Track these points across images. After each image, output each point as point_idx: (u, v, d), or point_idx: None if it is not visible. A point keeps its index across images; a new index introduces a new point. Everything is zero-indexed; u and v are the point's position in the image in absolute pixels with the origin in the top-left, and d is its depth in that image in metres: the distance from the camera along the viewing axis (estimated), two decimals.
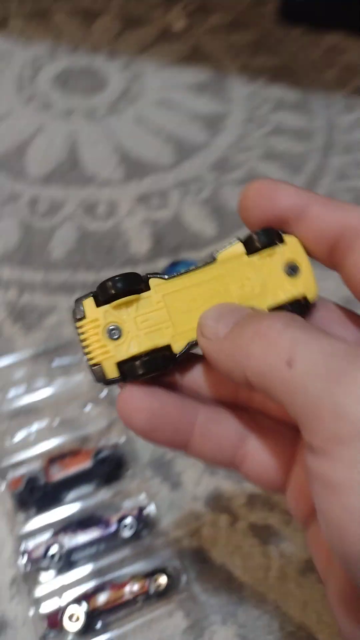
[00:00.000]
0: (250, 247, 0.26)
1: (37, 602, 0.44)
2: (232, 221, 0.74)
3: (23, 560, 0.45)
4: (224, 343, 0.22)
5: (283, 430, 0.27)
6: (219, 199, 0.77)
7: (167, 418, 0.24)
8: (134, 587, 0.44)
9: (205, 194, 0.77)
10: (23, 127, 0.83)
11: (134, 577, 0.45)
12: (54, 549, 0.45)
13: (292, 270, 0.26)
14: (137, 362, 0.24)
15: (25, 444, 0.52)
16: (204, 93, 0.92)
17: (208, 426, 0.25)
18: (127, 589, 0.44)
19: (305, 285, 0.26)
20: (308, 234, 0.25)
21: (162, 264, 0.68)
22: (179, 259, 0.69)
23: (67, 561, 0.45)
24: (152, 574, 0.45)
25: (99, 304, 0.25)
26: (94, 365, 0.24)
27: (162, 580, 0.45)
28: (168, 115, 0.88)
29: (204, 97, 0.91)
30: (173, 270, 0.67)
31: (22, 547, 0.45)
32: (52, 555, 0.45)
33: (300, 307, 0.26)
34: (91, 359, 0.25)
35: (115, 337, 0.24)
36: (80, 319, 0.25)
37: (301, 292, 0.26)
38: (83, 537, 0.46)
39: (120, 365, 0.24)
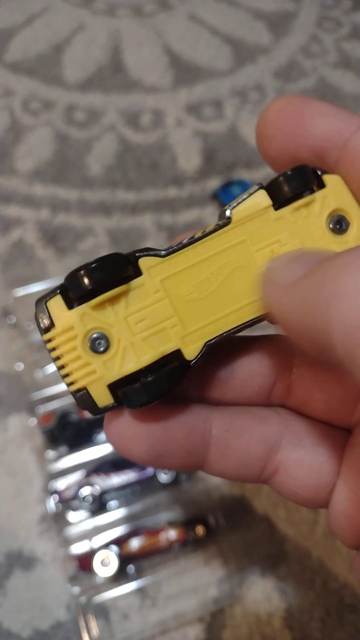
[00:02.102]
0: (278, 196, 0.19)
1: (68, 542, 0.42)
2: None
3: (54, 499, 0.42)
4: (299, 288, 0.15)
5: (325, 434, 0.21)
6: None
7: (173, 443, 0.19)
8: (170, 535, 0.41)
9: (267, 105, 0.67)
10: (60, 25, 0.74)
11: (170, 524, 0.42)
12: (86, 490, 0.42)
13: (338, 224, 0.19)
14: (138, 385, 0.17)
15: (57, 377, 0.48)
16: None
17: (227, 440, 0.20)
18: (162, 536, 0.41)
19: (357, 239, 0.19)
20: (355, 173, 0.18)
21: (213, 184, 0.61)
22: (233, 178, 0.61)
23: (99, 503, 0.43)
24: (190, 523, 0.42)
25: (71, 304, 0.18)
26: (77, 391, 0.17)
27: (201, 530, 0.42)
28: (226, 12, 0.76)
29: None
30: (226, 193, 0.60)
31: (53, 486, 0.43)
32: (84, 496, 0.42)
33: None
34: (71, 383, 0.18)
35: (102, 349, 0.17)
36: (47, 330, 0.18)
37: None
38: (117, 479, 0.43)
39: (114, 387, 0.17)
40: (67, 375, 0.18)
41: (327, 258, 0.15)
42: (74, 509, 0.43)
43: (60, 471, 0.44)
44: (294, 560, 0.45)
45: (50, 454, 0.45)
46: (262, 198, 0.19)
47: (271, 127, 0.19)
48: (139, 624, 0.41)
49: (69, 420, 0.45)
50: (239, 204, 0.19)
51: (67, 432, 0.44)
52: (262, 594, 0.43)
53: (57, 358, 0.18)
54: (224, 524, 0.44)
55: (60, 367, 0.18)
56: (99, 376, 0.17)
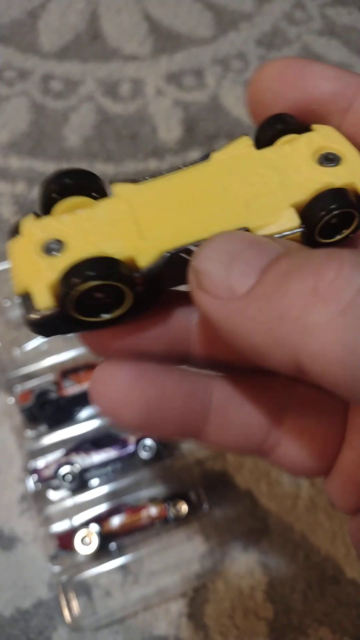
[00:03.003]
0: (261, 140, 0.18)
1: (48, 521, 0.42)
2: None
3: (33, 478, 0.42)
4: (250, 305, 0.14)
5: (330, 402, 0.20)
6: None
7: (169, 409, 0.18)
8: (151, 512, 0.41)
9: (249, 73, 0.65)
10: None
11: (152, 501, 0.42)
12: (65, 469, 0.42)
13: (328, 159, 0.18)
14: (75, 272, 0.16)
15: (36, 355, 0.47)
16: None
17: (228, 410, 0.19)
18: (144, 513, 0.41)
19: (351, 173, 0.17)
20: (355, 134, 0.17)
21: (194, 155, 0.59)
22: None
23: (80, 481, 0.42)
24: (171, 499, 0.42)
25: (39, 217, 0.18)
26: (21, 295, 0.17)
27: (182, 506, 0.41)
28: None
29: None
30: None
31: (32, 465, 0.42)
32: (64, 475, 0.41)
33: (348, 203, 0.17)
34: (17, 287, 0.17)
35: (54, 252, 0.17)
36: (11, 237, 0.18)
37: (347, 180, 0.17)
38: (98, 457, 0.43)
39: (58, 289, 0.16)
40: (15, 280, 0.17)
41: (280, 265, 0.14)
42: (54, 488, 0.42)
43: (40, 450, 0.43)
44: (276, 535, 0.45)
45: (29, 432, 0.44)
46: (244, 142, 0.19)
47: (268, 92, 0.18)
48: (121, 601, 0.41)
49: (48, 399, 0.44)
50: (220, 149, 0.19)
51: (46, 410, 0.43)
52: (245, 568, 0.44)
53: (14, 266, 0.17)
54: (206, 499, 0.44)
55: (15, 276, 0.17)
56: (43, 275, 0.16)
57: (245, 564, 0.44)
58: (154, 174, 0.18)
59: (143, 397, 0.17)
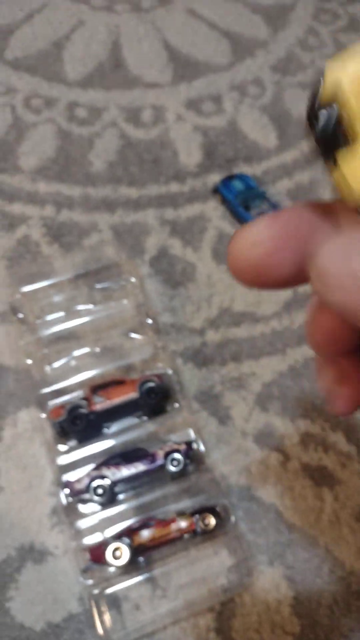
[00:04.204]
0: None
1: (79, 534, 0.43)
2: (295, 130, 0.65)
3: (65, 491, 0.43)
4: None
5: None
6: (280, 104, 0.67)
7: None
8: (180, 525, 0.42)
9: (266, 98, 0.67)
10: (60, 21, 0.74)
11: (180, 515, 0.43)
12: (97, 482, 0.43)
13: None
14: None
15: (66, 371, 0.49)
16: None
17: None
18: (173, 526, 0.42)
19: None
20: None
21: (214, 178, 0.61)
22: (234, 172, 0.61)
23: (110, 495, 0.43)
24: (199, 512, 0.43)
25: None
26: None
27: (211, 520, 0.42)
28: (224, 6, 0.76)
29: None
30: (227, 187, 0.60)
31: (64, 478, 0.43)
32: (95, 488, 0.42)
33: None
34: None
35: None
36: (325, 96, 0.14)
37: None
38: (127, 471, 0.43)
39: None
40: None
41: None
42: (85, 502, 0.43)
43: (71, 464, 0.44)
44: (301, 549, 0.45)
45: (60, 447, 0.45)
46: None
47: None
48: (150, 615, 0.42)
49: (79, 414, 0.45)
50: None
51: (77, 425, 0.45)
52: (271, 582, 0.44)
53: (347, 126, 0.14)
54: (232, 513, 0.44)
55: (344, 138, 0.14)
56: None
57: (271, 578, 0.44)
58: None
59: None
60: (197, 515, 0.42)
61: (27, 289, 0.51)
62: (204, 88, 0.68)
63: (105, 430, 0.46)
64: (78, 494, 0.43)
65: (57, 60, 0.70)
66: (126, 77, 0.69)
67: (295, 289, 0.55)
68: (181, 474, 0.45)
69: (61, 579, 0.43)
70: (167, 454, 0.44)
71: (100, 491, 0.43)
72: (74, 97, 0.67)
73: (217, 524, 0.43)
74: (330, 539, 0.46)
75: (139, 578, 0.42)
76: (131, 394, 0.46)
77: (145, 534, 0.41)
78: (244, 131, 0.65)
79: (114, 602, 0.42)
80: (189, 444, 0.45)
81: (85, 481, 0.43)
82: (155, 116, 0.66)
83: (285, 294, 0.55)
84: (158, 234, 0.58)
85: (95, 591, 0.41)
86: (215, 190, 0.60)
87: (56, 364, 0.49)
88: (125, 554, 0.40)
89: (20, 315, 0.50)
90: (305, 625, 0.43)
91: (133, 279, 0.53)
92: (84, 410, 0.45)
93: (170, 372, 0.49)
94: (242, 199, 0.58)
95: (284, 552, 0.45)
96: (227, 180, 0.60)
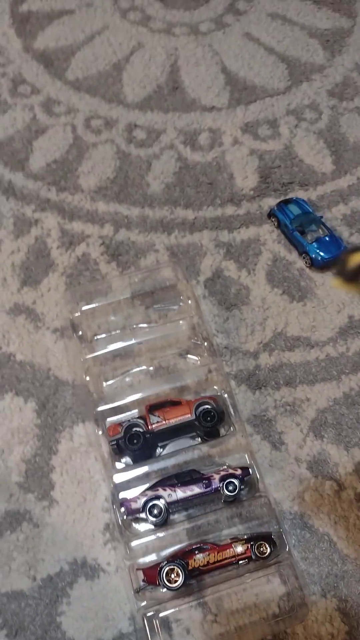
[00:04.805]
0: None
1: (133, 553, 0.43)
2: (351, 155, 0.65)
3: (120, 509, 0.43)
4: None
5: None
6: (337, 129, 0.67)
7: None
8: (237, 550, 0.42)
9: (322, 123, 0.68)
10: (120, 43, 0.76)
11: (234, 540, 0.43)
12: (153, 503, 0.43)
13: None
14: None
15: (121, 389, 0.49)
16: (323, 5, 0.80)
17: None
18: (229, 551, 0.42)
19: None
20: None
21: (270, 202, 0.61)
22: (290, 197, 0.61)
23: (165, 516, 0.43)
24: (255, 539, 0.42)
25: None
26: None
27: (266, 547, 0.42)
28: (281, 30, 0.77)
29: (323, 10, 0.79)
30: (283, 211, 0.61)
31: (119, 496, 0.44)
32: (151, 508, 0.43)
33: None
34: None
35: None
36: None
37: None
38: (182, 493, 0.44)
39: None
40: None
41: None
42: (139, 521, 0.43)
43: (126, 482, 0.45)
44: (355, 581, 0.44)
45: (116, 464, 0.46)
46: None
47: None
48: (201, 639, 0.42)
49: (136, 432, 0.46)
50: None
51: (134, 443, 0.45)
52: (324, 614, 0.43)
53: None
54: (286, 542, 0.44)
55: None
56: None
57: (324, 610, 0.44)
58: None
59: None
60: (253, 542, 0.42)
61: (86, 307, 0.52)
62: (261, 112, 0.69)
63: (159, 450, 0.46)
64: (134, 513, 0.43)
65: (117, 82, 0.72)
66: (184, 99, 0.70)
67: (352, 316, 0.55)
68: (236, 499, 0.45)
69: (112, 597, 0.44)
70: (223, 478, 0.44)
71: (156, 512, 0.43)
72: (132, 118, 0.68)
73: (271, 552, 0.42)
74: None
75: (191, 601, 0.42)
76: (187, 416, 0.46)
77: (201, 557, 0.41)
78: (299, 155, 0.65)
79: (165, 624, 0.42)
80: (244, 469, 0.45)
81: (141, 500, 0.43)
82: (212, 139, 0.67)
83: (340, 320, 0.55)
84: (213, 255, 0.58)
85: (150, 613, 0.41)
86: (271, 214, 0.60)
87: (112, 381, 0.50)
88: (180, 577, 0.40)
89: (80, 333, 0.51)
90: None
91: (190, 301, 0.54)
92: (140, 429, 0.46)
93: (224, 394, 0.49)
94: (298, 224, 0.58)
95: (337, 584, 0.44)
96: (283, 204, 0.60)
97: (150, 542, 0.43)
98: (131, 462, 0.46)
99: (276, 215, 0.59)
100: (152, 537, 0.43)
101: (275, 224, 0.60)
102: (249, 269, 0.58)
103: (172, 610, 0.42)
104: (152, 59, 0.74)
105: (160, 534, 0.43)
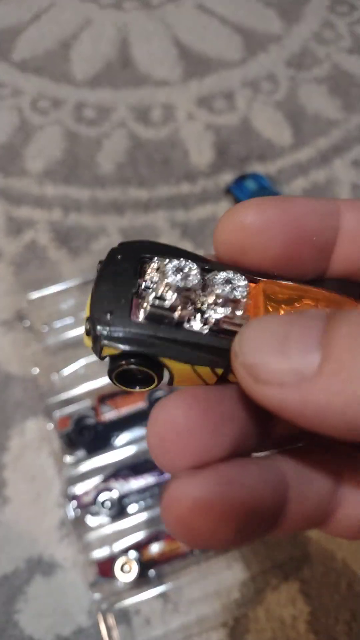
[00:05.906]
0: None
1: (87, 547, 0.42)
2: (310, 127, 0.63)
3: (72, 504, 0.42)
4: (331, 381, 0.12)
5: None
6: (295, 100, 0.65)
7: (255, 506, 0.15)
8: None
9: (279, 95, 0.65)
10: (67, 20, 0.73)
11: None
12: (105, 495, 0.42)
13: None
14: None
15: (74, 379, 0.47)
16: None
17: (301, 489, 0.16)
18: None
19: None
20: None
21: (227, 178, 0.59)
22: (247, 172, 0.59)
23: (119, 508, 0.42)
24: None
25: None
26: None
27: None
28: (235, 1, 0.74)
29: None
30: (240, 187, 0.59)
31: (72, 491, 0.42)
32: (103, 501, 0.41)
33: None
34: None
35: None
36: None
37: None
38: (136, 483, 0.42)
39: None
40: None
41: (332, 329, 0.13)
42: (93, 514, 0.42)
43: (79, 476, 0.43)
44: (317, 563, 0.44)
45: (68, 458, 0.44)
46: None
47: (252, 237, 0.17)
48: (161, 630, 0.41)
49: (86, 424, 0.44)
50: None
51: (85, 436, 0.44)
52: (286, 597, 0.43)
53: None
54: None
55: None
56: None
57: (286, 593, 0.43)
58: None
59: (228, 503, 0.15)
60: None
61: (34, 295, 0.50)
62: (216, 85, 0.66)
63: (114, 441, 0.45)
64: (86, 506, 0.42)
65: (65, 61, 0.69)
66: (135, 75, 0.68)
67: None
68: None
69: (70, 592, 0.43)
70: None
71: (108, 504, 0.41)
72: (82, 97, 0.66)
73: None
74: (348, 553, 0.44)
75: (150, 592, 0.41)
76: (140, 404, 0.45)
77: (155, 548, 0.40)
78: (257, 129, 0.63)
79: (125, 616, 0.41)
80: None
81: (93, 493, 0.42)
82: (165, 115, 0.64)
83: None
84: (168, 236, 0.57)
85: (104, 606, 0.40)
86: (228, 191, 0.58)
87: (64, 373, 0.48)
88: (134, 569, 0.39)
89: (27, 323, 0.50)
90: None
91: None
92: (91, 421, 0.44)
93: None
94: None
95: (300, 567, 0.44)
96: (240, 180, 0.58)
97: (105, 535, 0.42)
98: (84, 455, 0.45)
99: (233, 192, 0.58)
100: (107, 529, 0.42)
101: (233, 201, 0.58)
102: (206, 249, 0.56)
103: (131, 602, 0.41)
104: (102, 35, 0.71)
105: (116, 526, 0.42)
